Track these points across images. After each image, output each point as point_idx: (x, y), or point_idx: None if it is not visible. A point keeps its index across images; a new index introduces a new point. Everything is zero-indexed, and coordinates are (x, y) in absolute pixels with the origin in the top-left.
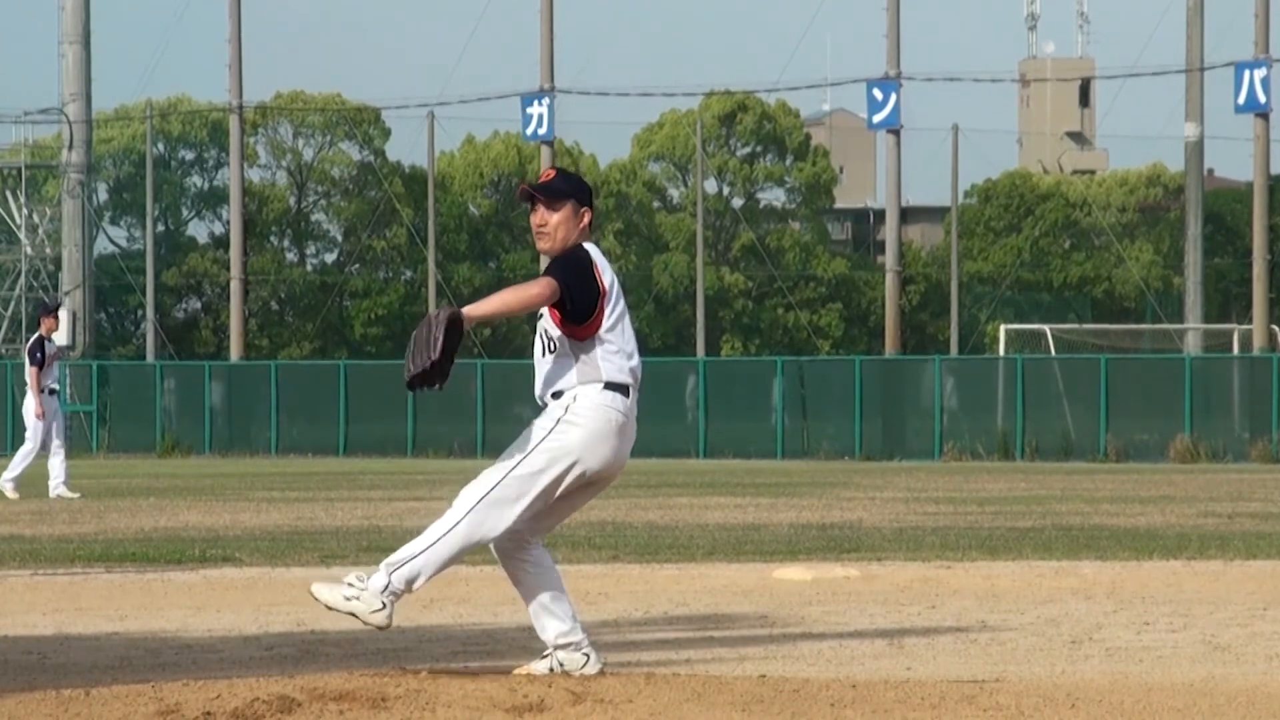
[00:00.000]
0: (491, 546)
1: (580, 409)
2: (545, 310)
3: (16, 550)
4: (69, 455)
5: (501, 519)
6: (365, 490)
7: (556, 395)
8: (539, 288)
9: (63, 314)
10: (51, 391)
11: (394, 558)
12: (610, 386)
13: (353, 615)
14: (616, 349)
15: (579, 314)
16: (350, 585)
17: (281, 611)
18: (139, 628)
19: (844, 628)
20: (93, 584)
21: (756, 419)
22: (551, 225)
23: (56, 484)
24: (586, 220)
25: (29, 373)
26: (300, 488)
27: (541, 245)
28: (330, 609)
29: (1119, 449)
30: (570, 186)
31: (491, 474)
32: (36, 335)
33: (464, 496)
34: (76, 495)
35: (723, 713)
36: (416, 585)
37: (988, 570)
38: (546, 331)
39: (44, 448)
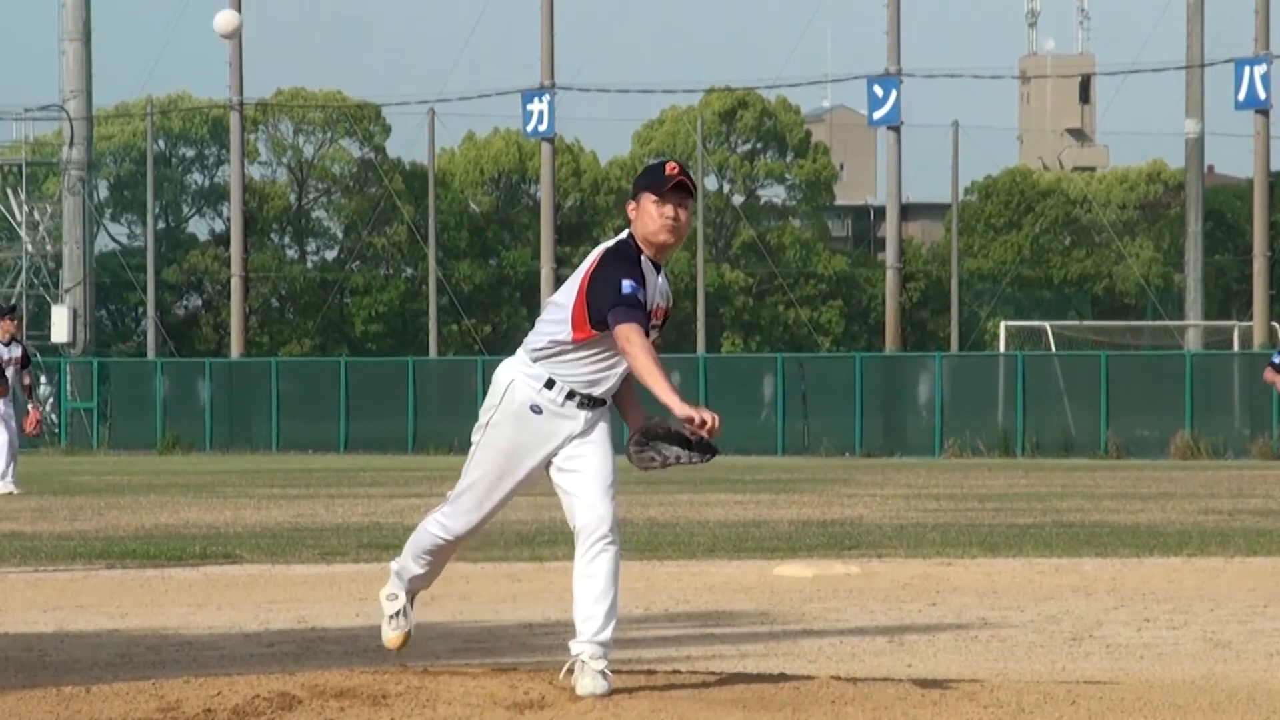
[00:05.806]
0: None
1: None
2: (664, 303)
3: (17, 547)
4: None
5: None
6: (366, 487)
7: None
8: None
9: (62, 311)
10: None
11: (605, 632)
12: None
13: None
14: None
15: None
16: (604, 675)
17: (282, 608)
18: (140, 625)
19: (845, 625)
20: (93, 581)
21: (756, 415)
22: (684, 221)
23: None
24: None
25: None
26: (301, 484)
27: (668, 238)
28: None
29: (1120, 445)
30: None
31: (608, 484)
32: None
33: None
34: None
35: (723, 710)
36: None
37: (988, 567)
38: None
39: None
